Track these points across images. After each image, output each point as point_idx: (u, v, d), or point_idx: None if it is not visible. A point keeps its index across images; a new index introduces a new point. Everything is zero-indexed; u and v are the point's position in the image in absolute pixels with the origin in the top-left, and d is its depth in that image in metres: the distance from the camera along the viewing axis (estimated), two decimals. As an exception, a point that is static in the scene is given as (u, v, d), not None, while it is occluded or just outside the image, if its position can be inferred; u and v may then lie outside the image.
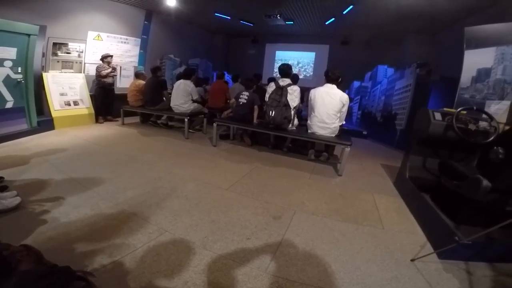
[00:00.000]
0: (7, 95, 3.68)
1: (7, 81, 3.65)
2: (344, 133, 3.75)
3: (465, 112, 2.45)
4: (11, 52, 3.66)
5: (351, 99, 7.55)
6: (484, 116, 2.45)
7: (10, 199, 1.90)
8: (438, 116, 2.52)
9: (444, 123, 2.45)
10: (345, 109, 3.51)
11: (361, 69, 7.48)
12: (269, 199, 2.47)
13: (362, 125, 7.23)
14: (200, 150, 3.98)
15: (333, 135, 3.52)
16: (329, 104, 3.40)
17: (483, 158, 2.20)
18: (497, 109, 2.99)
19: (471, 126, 2.32)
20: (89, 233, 1.70)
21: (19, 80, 3.80)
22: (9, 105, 3.71)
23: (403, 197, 2.81)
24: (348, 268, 1.61)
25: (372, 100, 7.00)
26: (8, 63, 3.64)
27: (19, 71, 3.80)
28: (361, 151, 4.76)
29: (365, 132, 6.47)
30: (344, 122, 3.69)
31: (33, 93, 4.05)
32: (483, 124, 2.38)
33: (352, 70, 7.24)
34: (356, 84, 7.86)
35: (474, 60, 3.34)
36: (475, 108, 2.52)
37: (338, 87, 3.50)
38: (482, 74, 3.27)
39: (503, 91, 3.03)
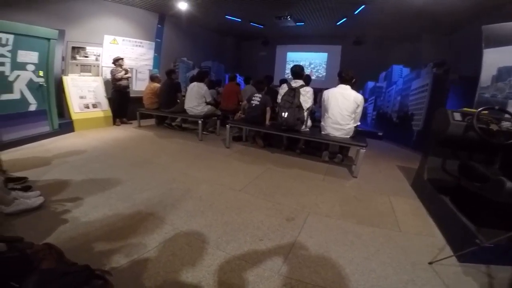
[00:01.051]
0: (31, 98, 3.83)
1: (30, 84, 3.81)
2: (358, 134, 3.69)
3: (486, 112, 2.35)
4: (33, 56, 3.80)
5: (365, 100, 7.43)
6: (507, 116, 2.34)
7: (33, 199, 1.99)
8: (457, 116, 2.43)
9: (464, 123, 2.36)
10: (359, 110, 3.45)
11: (375, 69, 7.34)
12: (282, 200, 2.46)
13: (378, 126, 7.08)
14: (214, 151, 4.02)
15: (348, 136, 3.46)
16: (343, 105, 3.36)
17: (506, 160, 2.10)
18: None
19: (493, 126, 2.22)
20: (108, 233, 1.76)
21: (41, 83, 3.95)
22: (32, 108, 3.87)
23: (421, 199, 2.73)
24: (363, 271, 1.58)
25: (388, 100, 6.85)
26: (31, 67, 3.79)
27: (41, 75, 3.95)
28: (377, 153, 4.66)
29: (380, 133, 6.33)
30: (359, 123, 3.63)
31: (54, 96, 4.21)
32: (506, 124, 2.27)
33: (365, 70, 7.10)
34: (371, 84, 7.72)
35: (494, 59, 3.23)
36: (497, 107, 2.40)
37: (352, 87, 3.45)
38: (504, 73, 3.16)
39: None
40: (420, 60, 6.04)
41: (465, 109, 2.62)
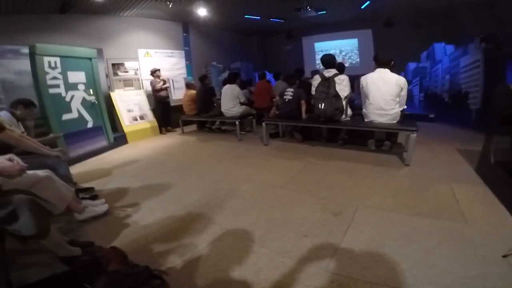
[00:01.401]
0: (87, 116, 4.25)
1: (84, 103, 4.19)
2: (407, 118, 3.40)
3: None
4: (80, 76, 4.14)
5: (409, 82, 6.87)
6: None
7: (100, 206, 2.24)
8: (521, 90, 2.11)
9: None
10: (404, 92, 3.18)
11: (413, 50, 6.76)
12: (327, 195, 2.39)
13: (427, 108, 6.48)
14: (253, 150, 4.08)
15: (394, 122, 3.21)
16: (384, 89, 3.13)
17: None
18: None
19: None
20: (163, 235, 1.89)
21: (93, 101, 4.33)
22: (89, 125, 4.30)
23: (489, 185, 2.39)
24: (422, 266, 1.43)
25: (435, 80, 6.26)
26: (81, 86, 4.15)
27: (91, 93, 4.31)
28: (430, 137, 4.26)
29: (432, 115, 5.78)
30: (405, 107, 3.34)
31: (106, 112, 4.61)
32: None
33: (403, 51, 6.58)
34: (412, 65, 7.10)
35: None
36: None
37: (392, 70, 3.20)
38: None
39: None
40: (463, 35, 5.45)
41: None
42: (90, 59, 4.34)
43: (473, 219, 1.90)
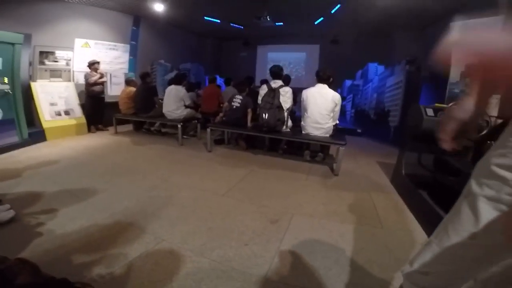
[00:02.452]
0: None
1: None
2: (338, 132, 3.77)
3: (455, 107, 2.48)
4: None
5: (343, 98, 7.66)
6: None
7: (3, 213, 1.88)
8: (430, 112, 2.56)
9: (437, 118, 2.49)
10: (337, 108, 3.53)
11: (352, 68, 7.57)
12: (266, 203, 2.46)
13: (356, 123, 7.29)
14: (195, 156, 3.96)
15: (327, 135, 3.53)
16: (322, 104, 3.42)
17: (476, 153, 2.21)
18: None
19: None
20: (86, 244, 1.68)
21: (6, 91, 3.71)
22: None
23: (400, 194, 2.82)
24: (349, 270, 1.59)
25: (365, 98, 7.08)
26: None
27: (6, 82, 3.71)
28: (357, 149, 4.79)
29: (359, 130, 6.53)
30: (337, 122, 3.71)
31: (22, 104, 3.96)
32: None
33: (343, 68, 7.29)
34: (348, 82, 7.94)
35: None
36: None
37: (330, 86, 3.52)
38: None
39: None
40: (394, 57, 6.26)
41: (437, 104, 2.75)
42: (13, 44, 3.73)
43: (388, 225, 2.19)
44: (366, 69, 7.18)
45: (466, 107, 0.75)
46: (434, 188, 2.30)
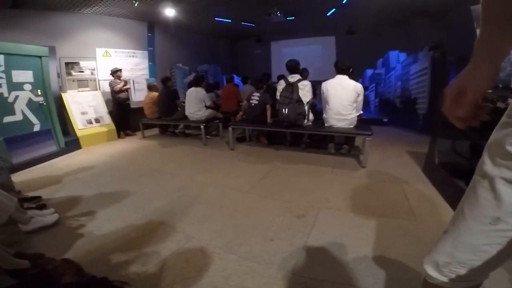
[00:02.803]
0: (33, 119, 3.84)
1: (30, 104, 3.80)
2: (363, 122, 3.65)
3: (490, 90, 2.31)
4: (28, 75, 3.77)
5: (366, 88, 7.39)
6: None
7: (48, 216, 2.05)
8: (462, 97, 2.40)
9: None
10: (360, 98, 3.41)
11: (371, 57, 7.29)
12: (291, 198, 2.45)
13: (381, 112, 7.02)
14: (218, 155, 4.03)
15: (352, 126, 3.43)
16: (343, 95, 3.32)
17: None
18: None
19: (500, 105, 2.17)
20: (122, 244, 1.78)
21: (41, 102, 3.94)
22: (36, 128, 3.89)
23: (435, 185, 2.64)
24: (381, 264, 1.53)
25: (388, 86, 6.82)
26: (28, 86, 3.77)
27: (39, 94, 3.93)
28: (384, 140, 4.60)
29: (385, 120, 6.28)
30: (361, 112, 3.59)
31: (56, 115, 4.21)
32: None
33: (362, 58, 7.07)
34: (369, 72, 7.66)
35: None
36: (500, 85, 2.38)
37: (351, 77, 3.42)
38: None
39: None
40: (415, 44, 5.99)
41: (469, 89, 2.57)
42: (40, 57, 3.96)
43: (422, 217, 2.07)
44: (387, 58, 6.90)
45: (477, 74, 0.65)
46: (472, 176, 2.13)
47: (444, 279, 0.75)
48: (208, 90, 5.56)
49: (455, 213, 0.78)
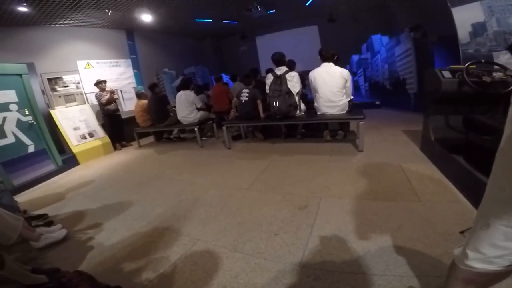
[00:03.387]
0: (26, 140, 3.76)
1: (20, 125, 3.70)
2: (356, 107, 3.67)
3: (474, 66, 2.34)
4: (11, 95, 3.65)
5: (354, 74, 7.44)
6: (496, 67, 2.34)
7: (57, 232, 2.10)
8: (447, 74, 2.44)
9: (456, 79, 2.35)
10: (348, 84, 3.43)
11: (355, 43, 7.31)
12: (291, 190, 2.46)
13: (373, 96, 7.08)
14: (216, 155, 4.04)
15: (344, 112, 3.44)
16: (331, 82, 3.34)
17: (507, 107, 2.04)
18: (507, 58, 2.96)
19: (486, 78, 2.21)
20: (131, 252, 1.81)
21: (30, 122, 3.84)
22: (31, 149, 3.82)
23: (434, 162, 2.64)
24: (390, 250, 1.49)
25: (376, 70, 6.90)
26: (14, 107, 3.66)
27: (27, 113, 3.82)
28: (379, 122, 4.65)
29: (378, 102, 6.34)
30: (352, 97, 3.61)
31: (48, 133, 4.13)
32: (498, 74, 2.25)
33: (346, 45, 7.10)
34: (355, 57, 7.69)
35: (465, 16, 3.39)
36: (483, 61, 2.43)
37: (337, 63, 3.43)
38: (478, 29, 3.33)
39: (506, 41, 3.07)
40: (395, 26, 6.00)
41: (453, 66, 2.61)
42: (20, 75, 3.85)
43: (425, 197, 2.03)
44: (370, 42, 6.96)
45: None
46: (469, 150, 2.12)
47: (496, 267, 0.73)
48: (198, 92, 5.54)
49: (493, 205, 0.73)
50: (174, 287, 1.45)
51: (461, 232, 1.54)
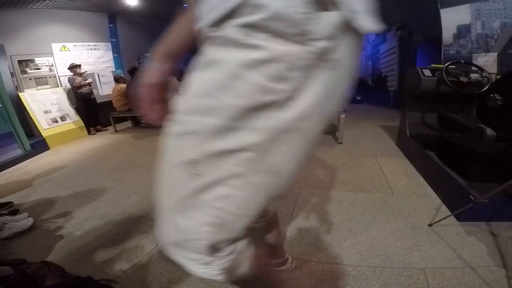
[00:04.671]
0: None
1: None
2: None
3: (453, 66, 2.44)
4: None
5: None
6: (473, 68, 2.45)
7: (23, 221, 1.96)
8: (427, 72, 2.53)
9: (435, 78, 2.45)
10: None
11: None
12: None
13: (355, 91, 7.21)
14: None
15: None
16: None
17: (481, 108, 2.14)
18: (485, 61, 3.12)
19: (463, 79, 2.32)
20: (104, 242, 1.73)
21: None
22: None
23: (408, 157, 2.76)
24: (364, 241, 1.56)
25: (360, 66, 7.00)
26: None
27: None
28: (358, 116, 4.75)
29: (358, 98, 6.47)
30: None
31: (16, 116, 3.89)
32: (474, 76, 2.36)
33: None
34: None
35: (452, 18, 3.47)
36: (462, 61, 2.52)
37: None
38: (463, 30, 3.43)
39: (487, 44, 3.20)
40: (384, 24, 6.09)
41: (433, 65, 2.70)
42: None
43: (398, 190, 2.13)
44: (357, 39, 7.04)
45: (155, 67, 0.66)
46: (441, 147, 2.23)
47: None
48: (180, 78, 5.37)
49: None
50: (150, 277, 1.40)
51: (430, 225, 1.65)
